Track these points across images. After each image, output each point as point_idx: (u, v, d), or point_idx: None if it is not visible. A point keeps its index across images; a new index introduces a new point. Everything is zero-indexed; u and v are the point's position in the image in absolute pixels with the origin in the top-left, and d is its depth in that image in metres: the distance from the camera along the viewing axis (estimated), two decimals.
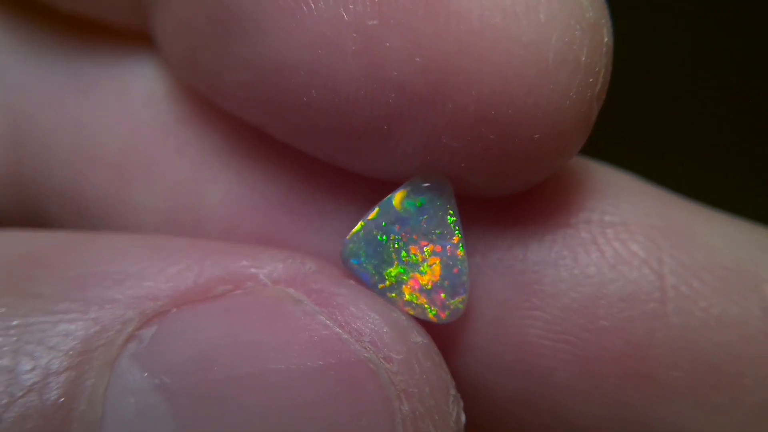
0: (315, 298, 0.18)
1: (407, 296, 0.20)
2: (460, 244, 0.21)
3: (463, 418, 0.19)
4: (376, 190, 0.21)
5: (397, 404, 0.18)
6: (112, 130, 0.24)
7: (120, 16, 0.24)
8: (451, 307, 0.20)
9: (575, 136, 0.19)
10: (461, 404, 0.19)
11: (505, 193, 0.21)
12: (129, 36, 0.25)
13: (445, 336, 0.21)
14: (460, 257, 0.21)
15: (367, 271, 0.20)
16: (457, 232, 0.21)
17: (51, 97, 0.25)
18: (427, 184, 0.21)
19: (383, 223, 0.21)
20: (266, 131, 0.22)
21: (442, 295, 0.20)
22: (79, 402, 0.17)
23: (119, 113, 0.24)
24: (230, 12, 0.19)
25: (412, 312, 0.20)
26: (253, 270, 0.19)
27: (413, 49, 0.18)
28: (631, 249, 0.20)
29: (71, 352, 0.17)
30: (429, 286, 0.20)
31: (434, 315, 0.20)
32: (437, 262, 0.21)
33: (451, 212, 0.21)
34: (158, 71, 0.25)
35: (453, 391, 0.19)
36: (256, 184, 0.23)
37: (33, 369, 0.17)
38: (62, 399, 0.17)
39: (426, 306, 0.20)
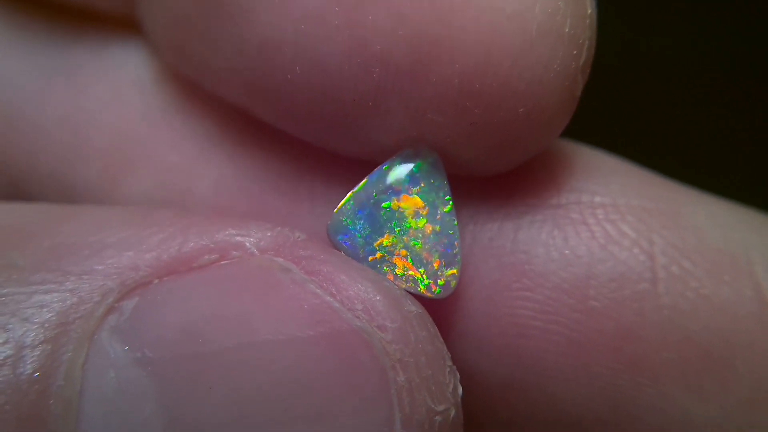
0: (304, 266, 0.18)
1: (399, 268, 0.20)
2: (452, 214, 0.20)
3: (460, 389, 0.18)
4: (367, 172, 0.21)
5: (392, 374, 0.17)
6: (100, 118, 0.24)
7: (107, 3, 0.24)
8: (445, 275, 0.20)
9: (560, 109, 0.19)
10: (458, 376, 0.18)
11: (494, 171, 0.21)
12: (117, 23, 0.24)
13: (434, 318, 0.20)
14: (452, 227, 0.20)
15: (356, 244, 0.20)
16: (448, 200, 0.20)
17: (40, 86, 0.25)
18: (417, 156, 0.20)
19: (374, 194, 0.20)
20: (255, 115, 0.21)
21: (435, 265, 0.20)
22: (55, 377, 0.16)
23: (108, 101, 0.24)
24: None
25: (403, 285, 0.20)
26: (239, 238, 0.18)
27: (396, 22, 0.18)
28: (621, 229, 0.20)
29: (47, 325, 0.16)
30: (422, 256, 0.20)
31: (426, 287, 0.20)
32: (430, 231, 0.20)
33: (444, 182, 0.20)
34: (146, 58, 0.24)
35: (449, 362, 0.18)
36: (246, 169, 0.22)
37: (6, 342, 0.16)
38: (37, 373, 0.16)
39: (418, 278, 0.20)
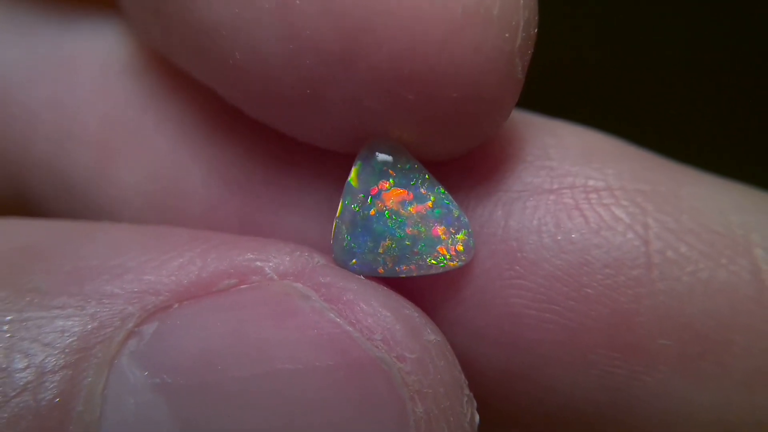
0: (324, 293, 0.18)
1: (411, 255, 0.20)
2: (435, 182, 0.20)
3: (477, 419, 0.18)
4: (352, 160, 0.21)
5: (410, 405, 0.17)
6: (91, 104, 0.24)
7: None
8: (458, 241, 0.20)
9: (500, 93, 0.18)
10: (475, 405, 0.18)
11: (449, 155, 0.20)
12: (107, 6, 0.25)
13: (428, 307, 0.20)
14: (442, 195, 0.20)
15: (367, 261, 0.20)
16: (424, 174, 0.20)
17: (30, 72, 0.25)
18: (374, 150, 0.20)
19: (354, 207, 0.20)
20: (221, 96, 0.21)
21: (445, 237, 0.20)
22: (75, 402, 0.16)
23: (98, 87, 0.24)
24: None
25: (428, 272, 0.20)
26: (258, 263, 0.18)
27: (323, 6, 0.17)
28: (615, 214, 0.20)
29: (68, 350, 0.16)
30: (430, 235, 0.20)
31: (449, 260, 0.20)
32: (424, 211, 0.20)
33: (417, 166, 0.20)
34: (135, 42, 0.24)
35: (467, 391, 0.18)
36: (236, 157, 0.22)
37: (27, 367, 0.16)
38: (58, 399, 0.16)
39: (439, 258, 0.20)
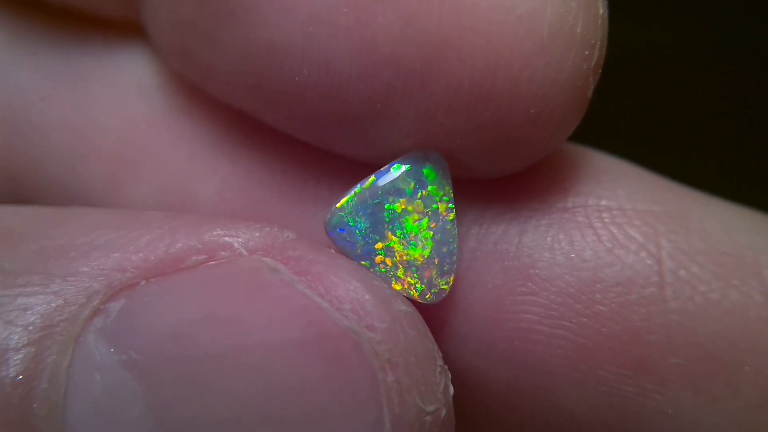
0: (293, 266, 0.18)
1: (395, 271, 0.20)
2: (455, 222, 0.20)
3: (451, 389, 0.18)
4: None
5: (381, 375, 0.17)
6: (104, 123, 0.24)
7: (111, 7, 0.24)
8: (439, 285, 0.20)
9: (571, 110, 0.19)
10: (449, 375, 0.18)
11: (501, 173, 0.20)
12: (120, 27, 0.24)
13: (437, 323, 0.20)
14: (452, 235, 0.20)
15: (355, 241, 0.20)
16: (452, 208, 0.20)
17: (43, 91, 0.24)
18: (424, 158, 0.20)
19: (379, 192, 0.20)
20: (260, 118, 0.21)
21: (433, 272, 0.20)
22: (39, 380, 0.16)
23: (112, 106, 0.24)
24: None
25: (398, 287, 0.20)
26: (227, 239, 0.18)
27: (406, 23, 0.17)
28: (628, 233, 0.20)
29: (30, 327, 0.16)
30: (420, 262, 0.20)
31: (420, 294, 0.20)
32: (430, 237, 0.20)
33: (448, 189, 0.20)
34: (150, 63, 0.24)
35: (440, 362, 0.18)
36: (250, 174, 0.22)
37: None
38: (21, 377, 0.16)
39: (413, 282, 0.20)
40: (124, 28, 0.24)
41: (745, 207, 0.22)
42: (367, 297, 0.17)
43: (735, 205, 0.22)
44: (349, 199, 0.20)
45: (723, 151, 0.54)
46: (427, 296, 0.20)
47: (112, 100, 0.24)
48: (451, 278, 0.20)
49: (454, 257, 0.20)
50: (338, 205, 0.20)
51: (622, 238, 0.20)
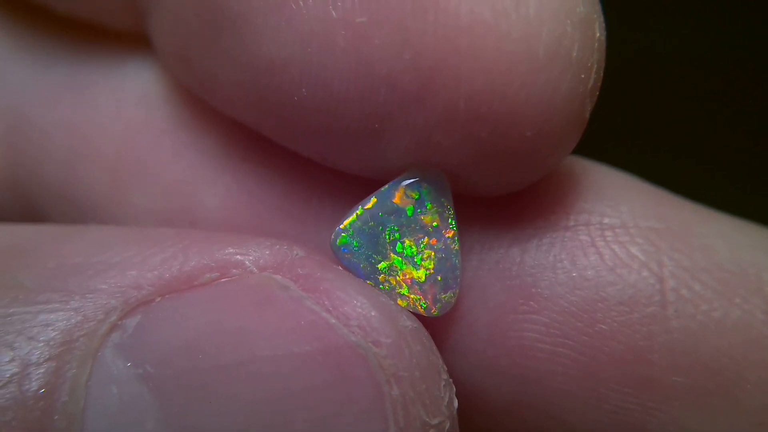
0: (302, 283, 0.18)
1: (398, 288, 0.20)
2: (456, 238, 0.20)
3: (455, 403, 0.18)
4: (374, 190, 0.21)
5: (386, 389, 0.17)
6: (107, 131, 0.24)
7: (115, 18, 0.24)
8: (443, 300, 0.20)
9: (568, 133, 0.19)
10: (453, 389, 0.18)
11: (501, 192, 0.21)
12: (125, 37, 0.25)
13: (440, 339, 0.21)
14: (454, 251, 0.20)
15: (359, 261, 0.20)
16: (453, 225, 0.20)
17: (47, 99, 0.25)
18: (424, 177, 0.20)
19: (380, 213, 0.20)
20: (261, 132, 0.22)
21: (435, 288, 0.20)
22: (60, 393, 0.16)
23: (115, 115, 0.24)
24: (220, 10, 0.19)
25: (403, 304, 0.20)
26: (238, 257, 0.19)
27: (402, 45, 0.18)
28: (630, 251, 0.20)
29: (52, 343, 0.17)
30: (422, 279, 0.20)
31: (425, 309, 0.20)
32: (432, 255, 0.20)
33: (448, 206, 0.20)
34: (154, 73, 0.24)
35: (445, 376, 0.18)
36: (252, 187, 0.23)
37: (12, 360, 0.16)
38: (43, 390, 0.16)
39: (417, 298, 0.20)
40: (133, 41, 0.25)
41: (747, 221, 0.22)
42: (373, 313, 0.18)
43: (737, 219, 0.22)
44: (351, 221, 0.20)
45: (723, 156, 0.54)
46: (433, 311, 0.20)
47: (116, 107, 0.24)
48: (456, 291, 0.20)
49: (457, 271, 0.20)
50: (342, 226, 0.20)
51: (625, 257, 0.20)
